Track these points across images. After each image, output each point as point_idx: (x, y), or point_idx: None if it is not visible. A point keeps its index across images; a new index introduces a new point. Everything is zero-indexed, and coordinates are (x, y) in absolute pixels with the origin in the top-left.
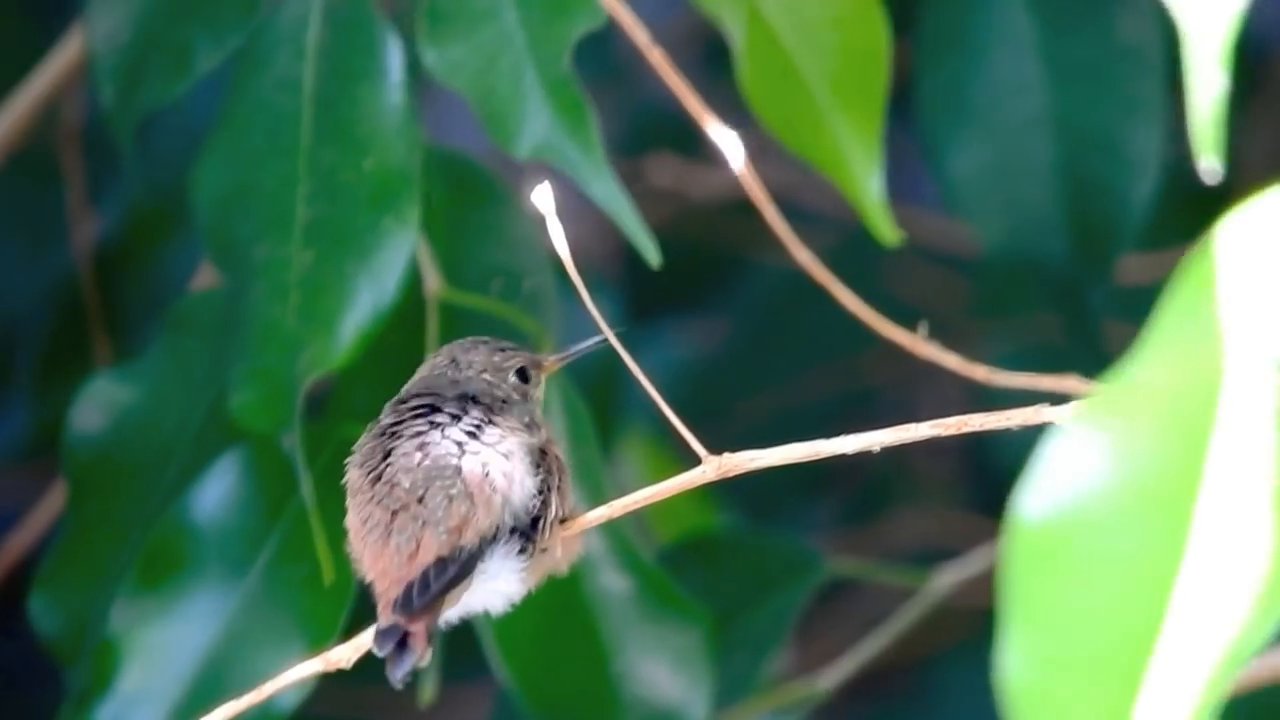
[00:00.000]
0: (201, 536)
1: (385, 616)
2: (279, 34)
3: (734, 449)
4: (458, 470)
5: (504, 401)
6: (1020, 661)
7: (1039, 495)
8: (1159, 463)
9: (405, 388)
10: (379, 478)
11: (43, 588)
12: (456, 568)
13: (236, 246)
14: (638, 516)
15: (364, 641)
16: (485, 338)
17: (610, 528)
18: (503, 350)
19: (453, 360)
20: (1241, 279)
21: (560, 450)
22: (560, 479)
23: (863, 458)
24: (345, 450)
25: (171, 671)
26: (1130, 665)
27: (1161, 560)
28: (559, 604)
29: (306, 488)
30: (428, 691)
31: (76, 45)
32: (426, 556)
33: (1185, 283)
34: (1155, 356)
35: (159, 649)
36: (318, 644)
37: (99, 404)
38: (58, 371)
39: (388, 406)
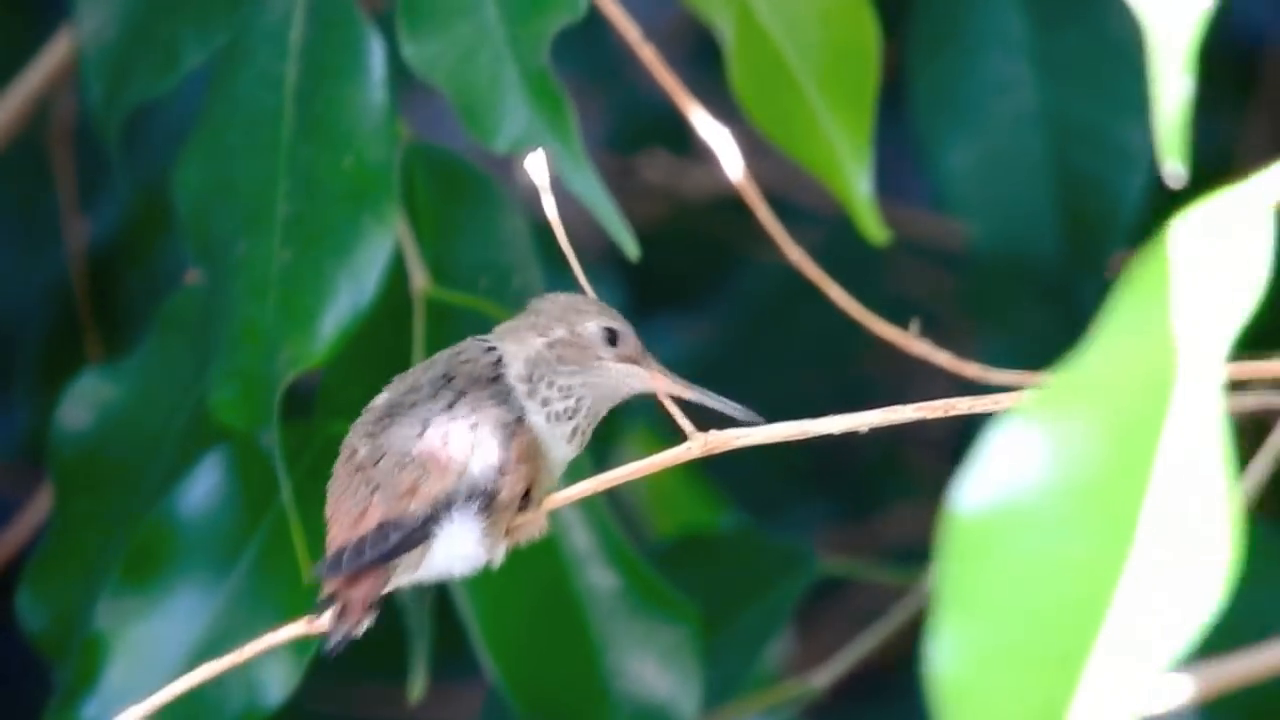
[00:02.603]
0: (186, 534)
1: (325, 584)
2: (262, 31)
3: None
4: (416, 438)
5: (484, 380)
6: (951, 655)
7: (978, 487)
8: (1104, 458)
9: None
10: (349, 455)
11: (30, 584)
12: (400, 535)
13: (216, 243)
14: (627, 513)
15: None
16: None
17: (598, 523)
18: (597, 318)
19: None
20: (1193, 277)
21: (534, 435)
22: (528, 452)
23: (857, 455)
24: (331, 448)
25: (156, 668)
26: (1065, 664)
27: (1102, 557)
28: (547, 600)
29: (285, 485)
30: (417, 688)
31: (68, 43)
32: (370, 521)
33: (1136, 279)
34: (1104, 351)
35: (144, 646)
36: (301, 641)
37: (85, 402)
38: (56, 370)
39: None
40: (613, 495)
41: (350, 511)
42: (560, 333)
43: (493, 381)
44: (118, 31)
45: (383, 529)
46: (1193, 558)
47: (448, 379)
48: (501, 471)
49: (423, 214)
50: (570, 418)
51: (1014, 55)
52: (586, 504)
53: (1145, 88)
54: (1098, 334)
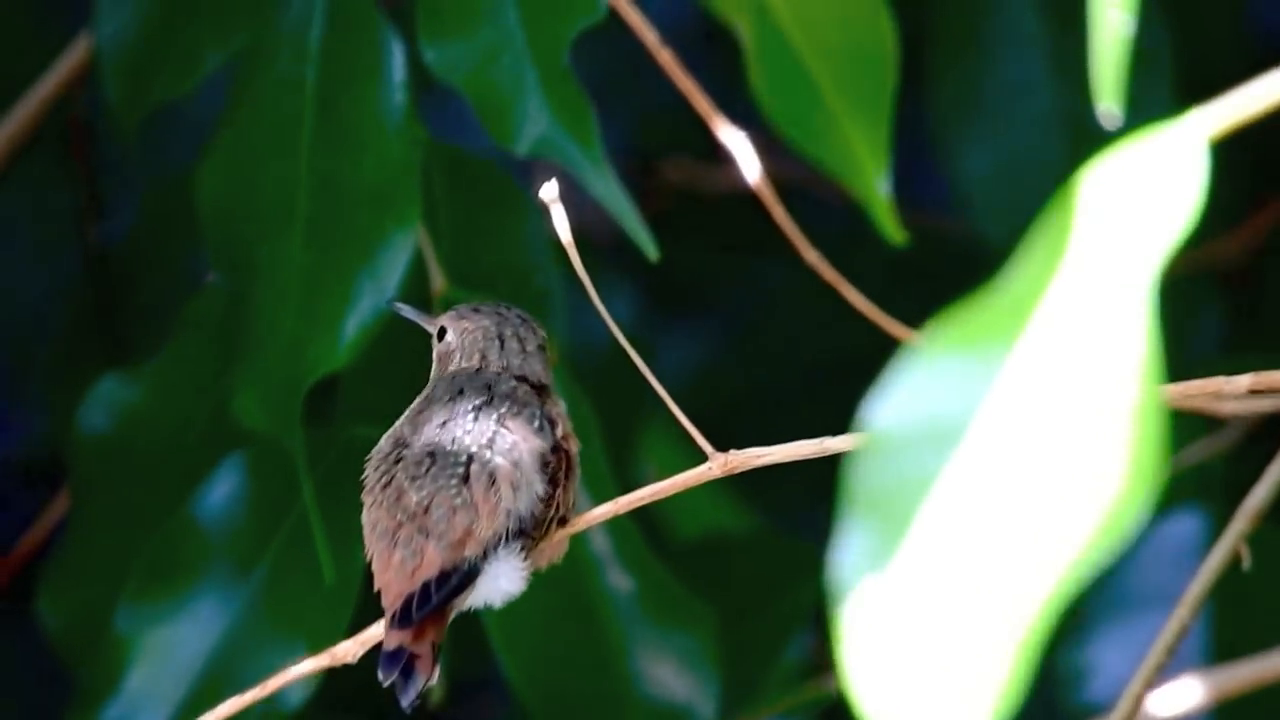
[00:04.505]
0: (207, 537)
1: (389, 636)
2: (282, 34)
3: (747, 444)
4: (464, 479)
5: (523, 403)
6: (855, 564)
7: (892, 406)
8: (1016, 379)
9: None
10: (389, 483)
11: (49, 587)
12: (459, 578)
13: (237, 247)
14: (645, 516)
15: (370, 636)
16: (522, 316)
17: (616, 527)
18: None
19: (499, 337)
20: (1116, 209)
21: (573, 444)
22: (567, 477)
23: None
24: (351, 450)
25: (176, 672)
26: (965, 577)
27: (1005, 474)
28: (564, 604)
29: (307, 489)
30: (437, 690)
31: (87, 44)
32: (429, 570)
33: (1058, 208)
34: (1018, 279)
35: (164, 650)
36: (322, 644)
37: (106, 404)
38: (73, 372)
39: (417, 401)
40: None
41: (407, 562)
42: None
43: (524, 402)
44: (138, 34)
45: (444, 575)
46: (1099, 480)
47: (480, 407)
48: (545, 503)
49: (441, 216)
50: None
51: (1032, 57)
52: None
53: (1164, 90)
54: (1016, 262)
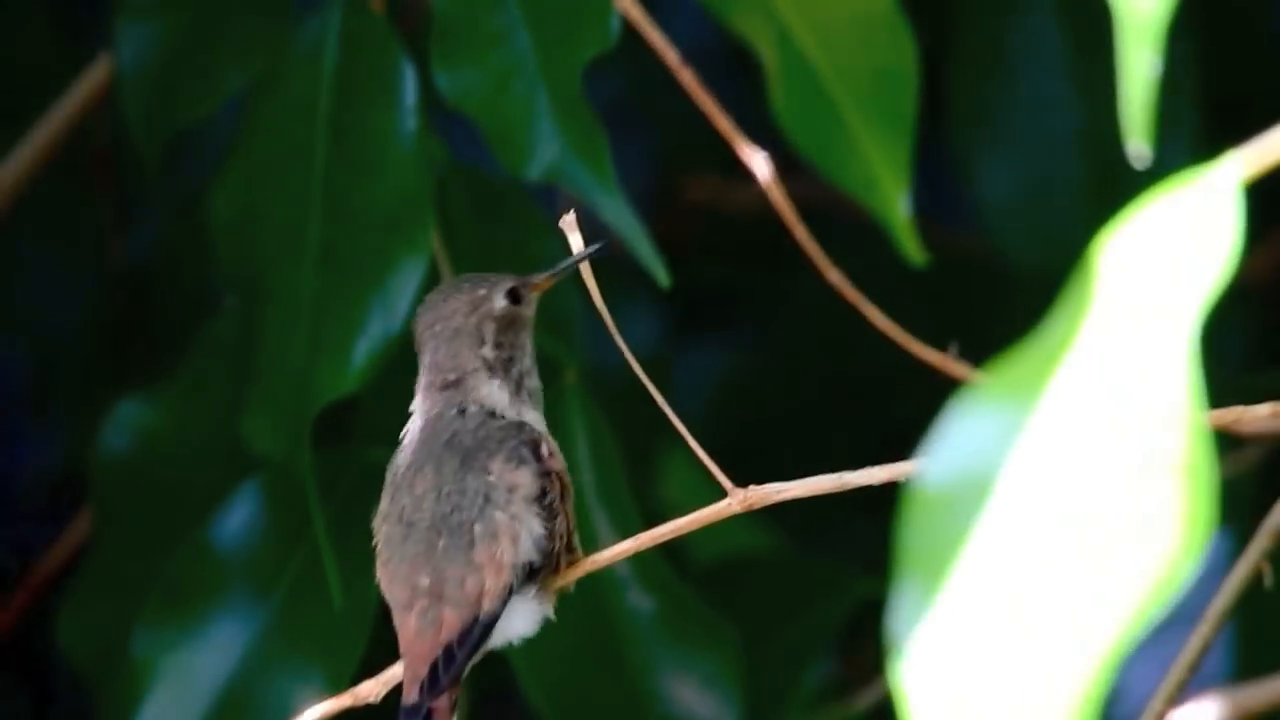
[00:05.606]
0: (224, 561)
1: (410, 693)
2: (295, 58)
3: (768, 465)
4: (470, 544)
5: (499, 440)
6: (911, 621)
7: (941, 460)
8: (1061, 431)
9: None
10: (400, 558)
11: (70, 608)
12: (479, 630)
13: (249, 270)
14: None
15: (392, 676)
16: (463, 282)
17: None
18: (483, 285)
19: (435, 322)
20: (1156, 255)
21: (559, 462)
22: (562, 499)
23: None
24: (367, 474)
25: (193, 696)
26: (1024, 634)
27: (1060, 529)
28: (585, 624)
29: (318, 514)
30: (458, 711)
31: (108, 66)
32: (448, 634)
33: (1101, 256)
34: (1060, 330)
35: (181, 674)
36: (337, 670)
37: (126, 427)
38: (94, 393)
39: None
40: (652, 520)
41: (425, 631)
42: (491, 330)
43: (499, 439)
44: (157, 57)
45: (465, 633)
46: (1151, 529)
47: (461, 467)
48: (548, 538)
49: (459, 236)
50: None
51: (1054, 75)
52: (626, 529)
53: (1186, 109)
54: (1056, 314)
